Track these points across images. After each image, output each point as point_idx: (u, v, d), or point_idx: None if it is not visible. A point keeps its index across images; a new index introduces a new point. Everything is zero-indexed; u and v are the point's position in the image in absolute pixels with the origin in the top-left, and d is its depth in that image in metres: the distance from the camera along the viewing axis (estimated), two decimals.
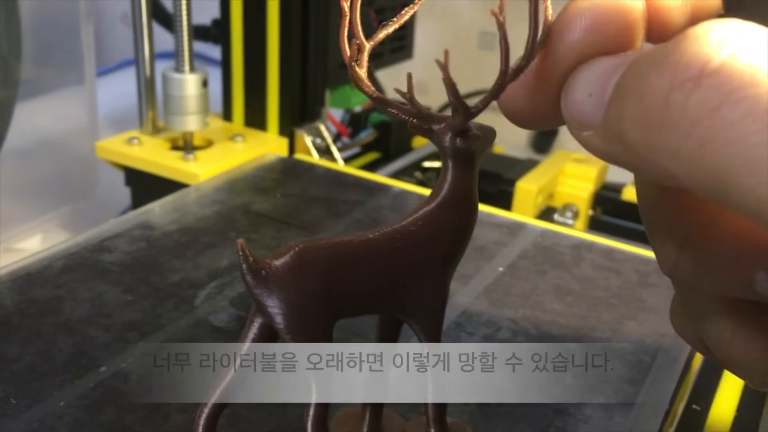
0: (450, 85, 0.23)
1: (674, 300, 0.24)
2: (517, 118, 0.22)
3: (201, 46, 0.76)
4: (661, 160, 0.16)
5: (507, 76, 0.23)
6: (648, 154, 0.16)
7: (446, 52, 0.23)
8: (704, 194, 0.16)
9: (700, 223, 0.20)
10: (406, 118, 0.26)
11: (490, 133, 0.27)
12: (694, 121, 0.15)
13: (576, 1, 0.20)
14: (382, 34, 0.26)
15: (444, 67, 0.23)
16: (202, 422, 0.25)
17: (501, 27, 0.22)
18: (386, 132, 0.76)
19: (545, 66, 0.20)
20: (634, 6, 0.19)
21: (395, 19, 0.27)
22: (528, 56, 0.22)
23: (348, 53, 0.26)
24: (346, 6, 0.26)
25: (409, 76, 0.25)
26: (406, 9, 0.27)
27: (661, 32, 0.20)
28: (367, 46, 0.27)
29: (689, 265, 0.20)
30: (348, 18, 0.26)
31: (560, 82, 0.20)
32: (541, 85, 0.20)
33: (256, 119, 0.67)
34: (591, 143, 0.19)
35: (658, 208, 0.21)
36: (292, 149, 0.67)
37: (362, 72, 0.26)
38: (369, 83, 0.26)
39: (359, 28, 0.26)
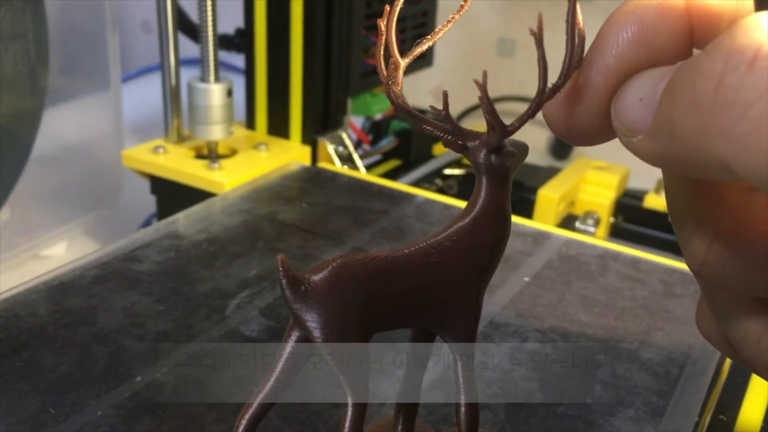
0: (487, 104, 0.24)
1: (700, 301, 0.24)
2: (570, 134, 0.22)
3: (224, 55, 0.77)
4: (714, 146, 0.16)
5: (544, 94, 0.23)
6: (700, 143, 0.16)
7: (484, 73, 0.23)
8: (756, 182, 0.16)
9: (729, 219, 0.20)
10: (442, 134, 0.27)
11: (523, 150, 0.27)
12: (748, 103, 0.15)
13: (620, 11, 0.20)
14: (417, 51, 0.27)
15: (482, 87, 0.23)
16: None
17: (540, 46, 0.22)
18: (407, 139, 0.76)
19: (595, 81, 0.20)
20: (679, 14, 0.19)
21: (429, 36, 0.27)
22: (564, 75, 0.22)
23: (385, 73, 0.26)
24: (382, 25, 0.26)
25: (445, 94, 0.26)
26: (440, 26, 0.27)
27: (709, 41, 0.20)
28: (402, 63, 0.27)
29: (717, 263, 0.20)
30: (384, 37, 0.26)
31: (610, 96, 0.20)
32: (592, 100, 0.20)
33: (279, 128, 0.68)
34: (641, 147, 0.19)
35: (687, 204, 0.21)
36: (314, 157, 0.67)
37: (398, 89, 0.27)
38: (405, 100, 0.27)
39: (395, 46, 0.27)
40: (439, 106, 0.26)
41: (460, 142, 0.27)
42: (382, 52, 0.27)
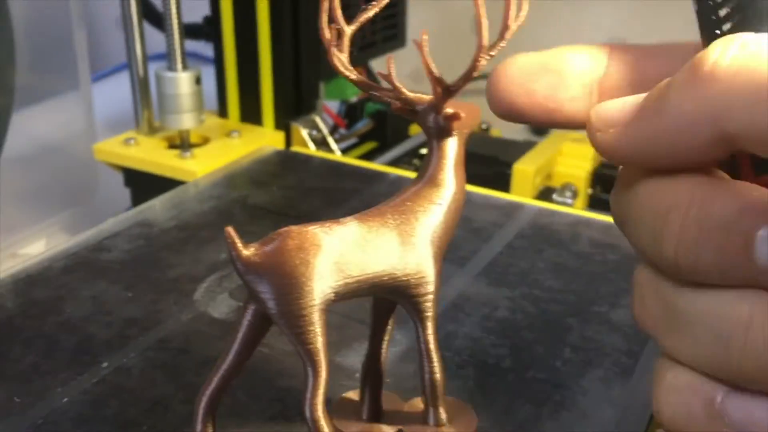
0: (427, 65, 0.24)
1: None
2: (510, 109, 0.23)
3: (194, 45, 0.76)
4: (713, 112, 0.17)
5: (483, 50, 0.23)
6: (698, 111, 0.17)
7: (423, 33, 0.23)
8: (755, 143, 0.17)
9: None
10: (389, 100, 0.26)
11: (473, 111, 0.27)
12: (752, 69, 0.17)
13: None
14: (362, 18, 0.27)
15: (420, 47, 0.23)
16: (201, 409, 0.26)
17: (476, 2, 0.22)
18: (382, 121, 0.76)
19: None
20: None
21: (374, 2, 0.27)
22: (502, 35, 0.22)
23: (327, 37, 0.26)
24: None
25: (389, 60, 0.25)
26: None
27: None
28: (348, 30, 0.27)
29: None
30: (327, 2, 0.26)
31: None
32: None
33: (251, 114, 0.67)
34: (613, 138, 0.20)
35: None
36: (288, 142, 0.67)
37: (343, 56, 0.27)
38: (349, 67, 0.26)
39: (339, 12, 0.26)
40: (419, 89, 0.26)
41: (409, 108, 0.27)
42: (326, 19, 0.26)
